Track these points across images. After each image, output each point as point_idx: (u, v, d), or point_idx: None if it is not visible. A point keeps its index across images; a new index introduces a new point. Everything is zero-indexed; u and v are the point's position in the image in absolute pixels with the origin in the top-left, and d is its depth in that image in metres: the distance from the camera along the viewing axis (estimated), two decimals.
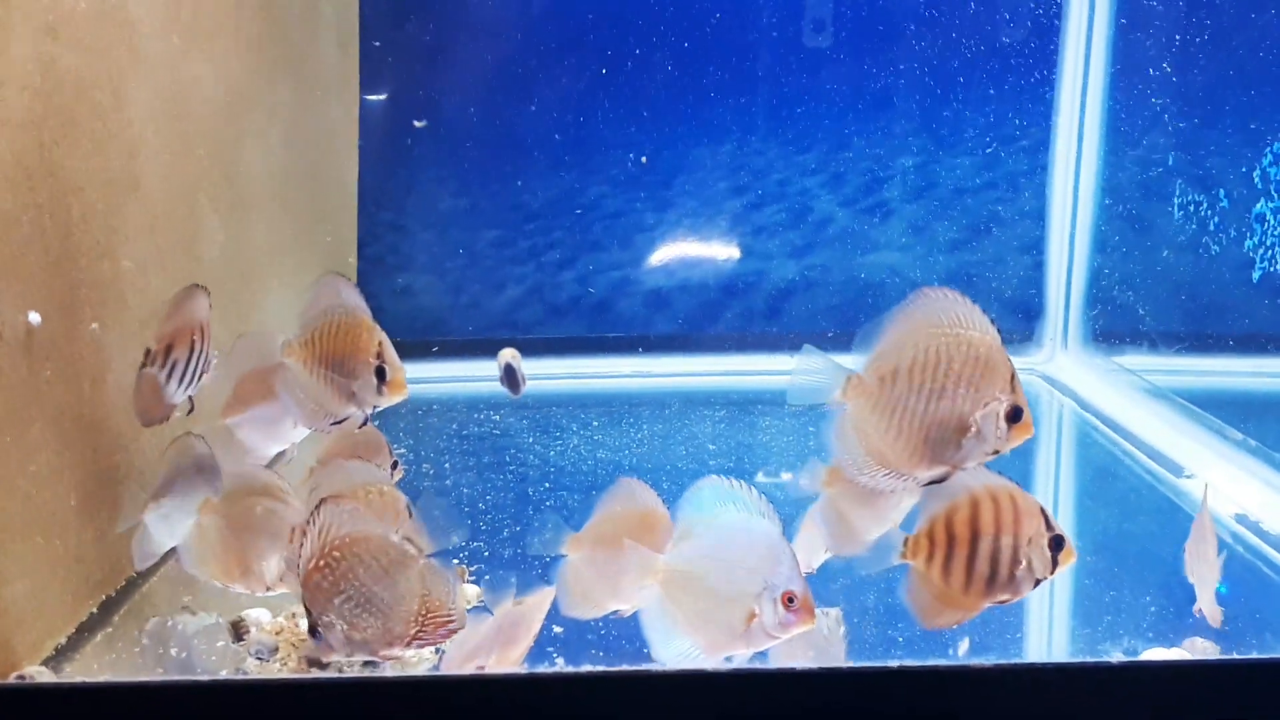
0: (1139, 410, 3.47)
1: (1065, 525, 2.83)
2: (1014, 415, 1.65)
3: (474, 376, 4.00)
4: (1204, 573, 2.03)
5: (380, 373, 1.86)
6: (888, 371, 1.65)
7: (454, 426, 3.41)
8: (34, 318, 1.92)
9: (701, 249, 4.33)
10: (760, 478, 3.02)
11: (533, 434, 3.33)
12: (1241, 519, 2.60)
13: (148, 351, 2.01)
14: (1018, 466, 3.13)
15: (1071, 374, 3.95)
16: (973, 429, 1.64)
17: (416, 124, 4.16)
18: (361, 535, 1.67)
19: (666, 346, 4.18)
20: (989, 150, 4.21)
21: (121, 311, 2.25)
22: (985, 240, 4.26)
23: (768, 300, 4.31)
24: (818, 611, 2.01)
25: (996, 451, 1.67)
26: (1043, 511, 1.67)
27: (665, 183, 4.30)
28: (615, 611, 1.84)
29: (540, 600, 1.87)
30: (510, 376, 2.65)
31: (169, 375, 1.98)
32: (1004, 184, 4.22)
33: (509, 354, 2.68)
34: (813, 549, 1.95)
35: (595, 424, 3.43)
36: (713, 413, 3.64)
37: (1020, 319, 4.19)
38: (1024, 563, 1.66)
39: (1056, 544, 1.66)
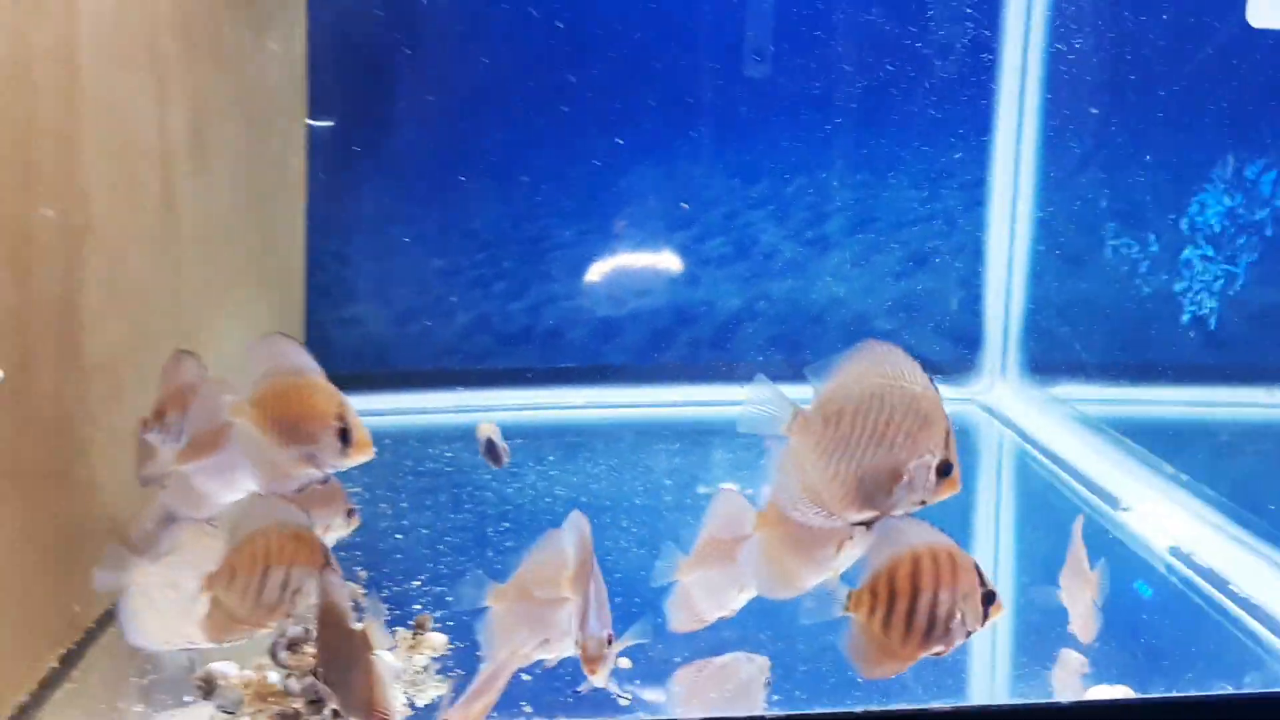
0: (1075, 441, 3.60)
1: (1005, 556, 2.95)
2: (944, 470, 1.73)
3: (425, 408, 3.99)
4: (1077, 591, 2.14)
5: (343, 434, 1.84)
6: (833, 412, 1.72)
7: (408, 462, 3.40)
8: None
9: (650, 279, 4.38)
10: (701, 489, 3.08)
11: (488, 469, 3.34)
12: (1175, 551, 2.72)
13: (144, 419, 2.01)
14: (960, 499, 3.24)
15: (1010, 404, 4.08)
16: (905, 478, 1.72)
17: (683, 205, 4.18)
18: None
19: (618, 376, 4.22)
20: (928, 185, 4.34)
21: (78, 360, 2.22)
22: (925, 272, 4.38)
23: (716, 330, 4.38)
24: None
25: (924, 502, 1.75)
26: (977, 568, 1.75)
27: (613, 213, 4.34)
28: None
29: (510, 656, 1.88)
30: (491, 451, 2.67)
31: (164, 436, 1.97)
32: (942, 218, 4.35)
33: (488, 429, 2.71)
34: (733, 589, 1.99)
35: (550, 458, 3.45)
36: (666, 445, 3.69)
37: (960, 349, 4.31)
38: (959, 616, 1.74)
39: (988, 599, 1.75)
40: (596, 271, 4.34)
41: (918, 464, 1.70)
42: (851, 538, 1.82)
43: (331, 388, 1.87)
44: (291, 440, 1.83)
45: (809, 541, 1.82)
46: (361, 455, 1.86)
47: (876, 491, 1.73)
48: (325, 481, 1.90)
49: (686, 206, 4.09)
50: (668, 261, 4.40)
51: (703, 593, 1.96)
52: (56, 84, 2.16)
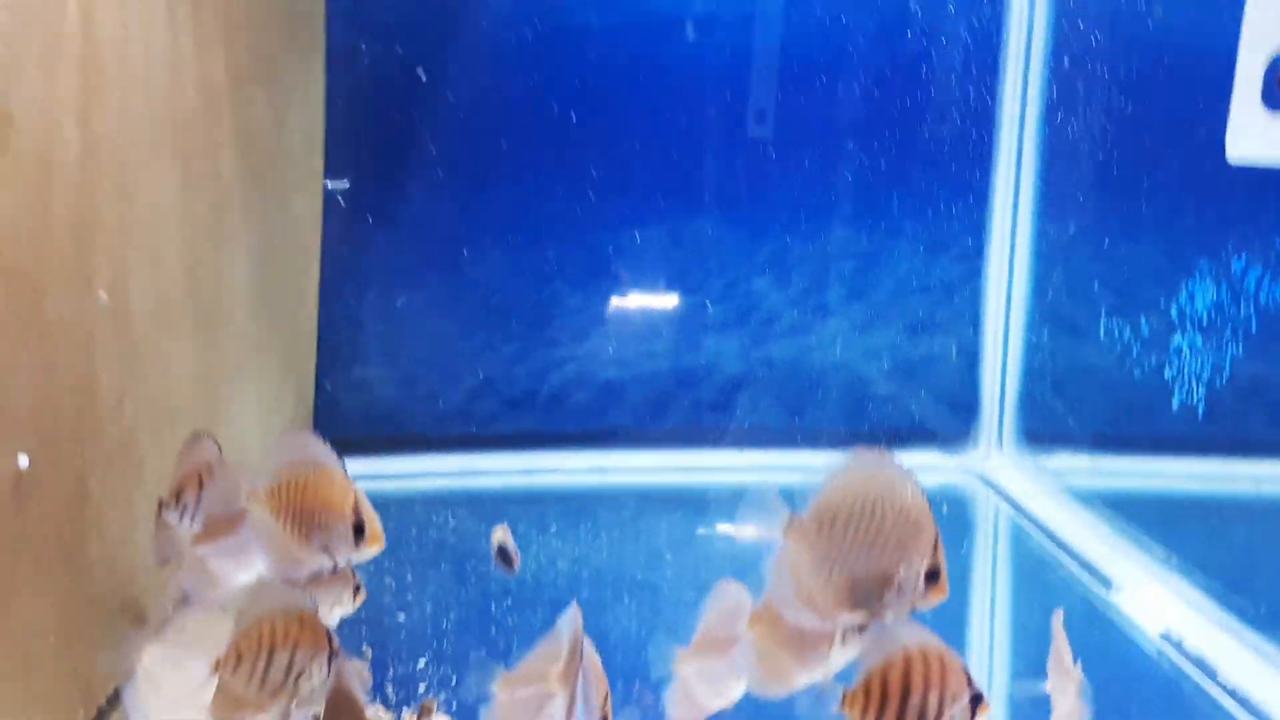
0: (1068, 515, 3.66)
1: (1001, 634, 3.00)
2: (932, 576, 1.80)
3: (430, 472, 4.06)
4: (1061, 685, 2.18)
5: (358, 528, 1.91)
6: (827, 519, 1.79)
7: (413, 530, 3.46)
8: (23, 461, 1.96)
9: (654, 344, 4.46)
10: (700, 530, 3.12)
11: (490, 540, 3.40)
12: (1165, 636, 2.77)
13: (162, 500, 2.08)
14: (954, 570, 3.29)
15: (1006, 474, 4.14)
16: (895, 584, 1.79)
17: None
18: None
19: (621, 440, 4.28)
20: (926, 255, 4.43)
21: (100, 441, 2.29)
22: (923, 340, 4.46)
23: (717, 393, 4.45)
24: None
25: (913, 607, 1.82)
26: (965, 670, 1.82)
27: (619, 278, 4.44)
28: None
29: None
30: (504, 556, 2.73)
31: (181, 516, 2.04)
32: (940, 288, 4.44)
33: (501, 533, 2.77)
34: (733, 679, 2.04)
35: (553, 528, 3.51)
36: (668, 514, 3.75)
37: (957, 418, 4.38)
38: (947, 717, 1.80)
39: (975, 700, 1.81)
40: (601, 335, 4.43)
41: (907, 570, 1.77)
42: (844, 640, 1.88)
43: (347, 481, 1.93)
44: (305, 530, 1.89)
45: (802, 641, 1.88)
46: (374, 548, 1.92)
47: (868, 596, 1.80)
48: (335, 571, 1.96)
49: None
50: (671, 324, 4.49)
51: (702, 683, 2.02)
52: (81, 167, 2.25)
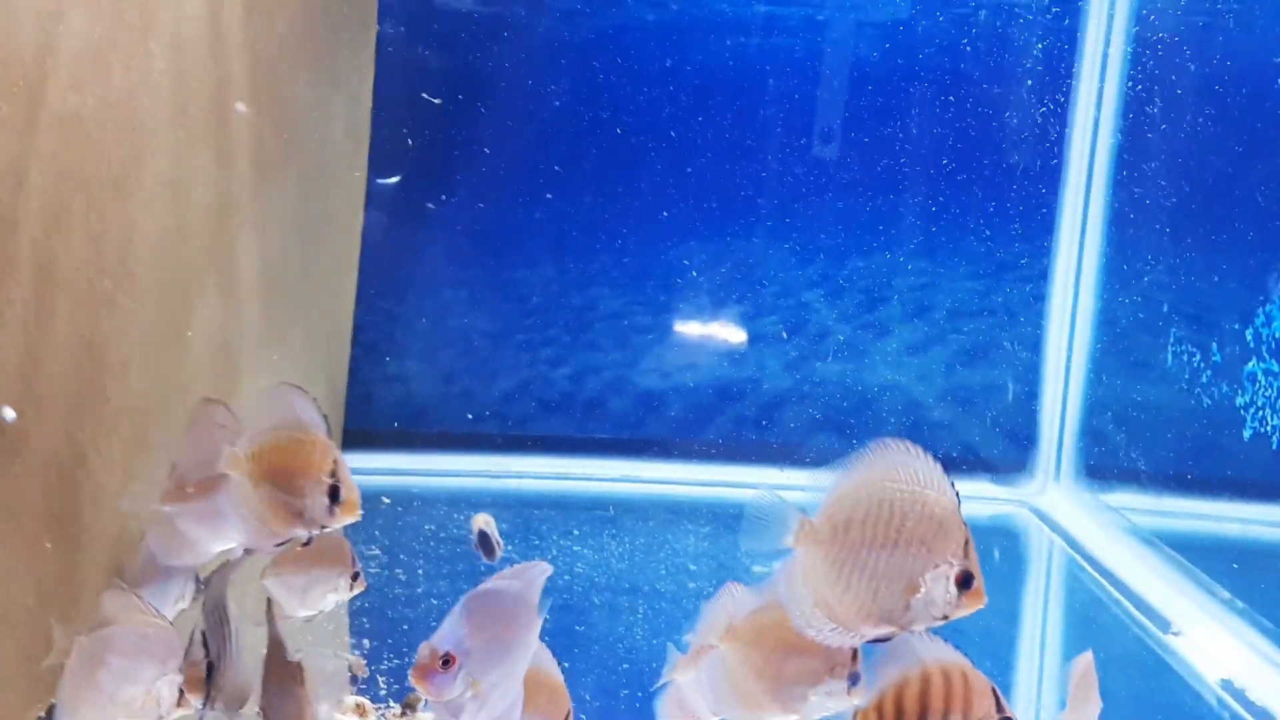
0: (1127, 554, 3.42)
1: (1049, 670, 2.79)
2: (965, 581, 1.61)
3: (459, 470, 3.96)
4: None
5: (334, 492, 1.79)
6: (841, 521, 1.62)
7: (432, 526, 3.36)
8: (8, 413, 1.89)
9: (697, 355, 4.32)
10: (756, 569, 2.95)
11: (511, 540, 3.28)
12: (1227, 685, 2.54)
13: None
14: (1004, 607, 3.09)
15: (1062, 509, 3.91)
16: (922, 590, 1.60)
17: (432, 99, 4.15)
18: None
19: (656, 451, 4.15)
20: (988, 276, 4.24)
21: (100, 405, 2.22)
22: (981, 365, 4.26)
23: (760, 409, 4.29)
24: None
25: (946, 617, 1.63)
26: (994, 692, 1.62)
27: (665, 286, 4.32)
28: None
29: None
30: (485, 543, 2.61)
31: None
32: (1002, 311, 4.24)
33: (482, 520, 2.65)
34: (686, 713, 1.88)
35: (576, 532, 3.38)
36: (697, 527, 3.59)
37: (1013, 448, 4.17)
38: None
39: None
40: (643, 343, 4.31)
41: (935, 574, 1.59)
42: (828, 687, 1.70)
43: (329, 444, 1.82)
44: (282, 495, 1.78)
45: (778, 672, 1.70)
46: (348, 516, 1.80)
47: (892, 605, 1.62)
48: (308, 544, 1.84)
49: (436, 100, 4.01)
50: (716, 336, 4.35)
51: (696, 691, 1.85)
52: (114, 136, 2.20)
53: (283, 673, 1.66)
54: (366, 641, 2.45)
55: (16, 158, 1.89)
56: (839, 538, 1.60)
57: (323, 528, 1.78)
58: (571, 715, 1.74)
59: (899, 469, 1.59)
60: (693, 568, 3.18)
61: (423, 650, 1.60)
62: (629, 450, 4.12)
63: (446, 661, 1.60)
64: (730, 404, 4.29)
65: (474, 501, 3.62)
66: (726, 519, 3.72)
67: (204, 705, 1.75)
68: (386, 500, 3.45)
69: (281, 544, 1.78)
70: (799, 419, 4.30)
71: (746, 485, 4.01)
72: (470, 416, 4.18)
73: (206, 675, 1.74)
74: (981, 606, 1.60)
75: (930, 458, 1.60)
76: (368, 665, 2.35)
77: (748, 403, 4.30)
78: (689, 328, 4.34)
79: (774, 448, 4.23)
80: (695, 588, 3.00)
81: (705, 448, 4.19)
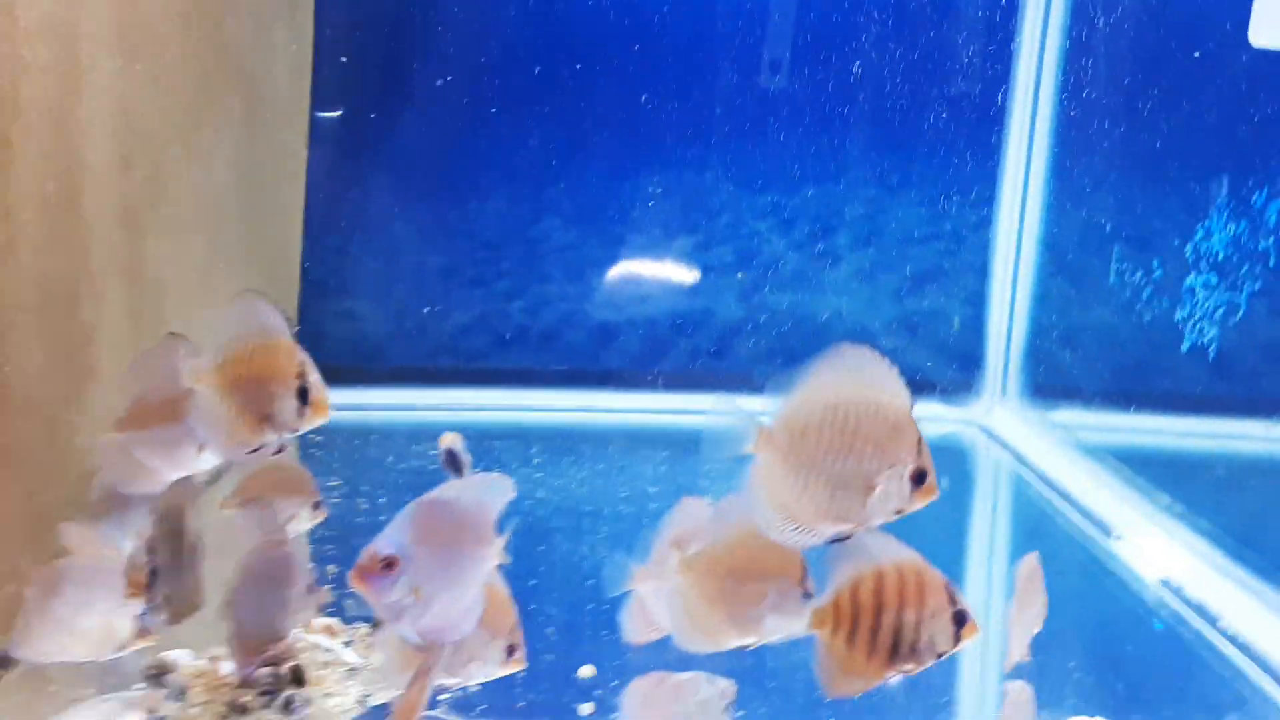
0: (1072, 467, 3.53)
1: (996, 578, 2.89)
2: (919, 478, 1.67)
3: (415, 405, 3.96)
4: (1021, 622, 2.06)
5: (303, 393, 1.78)
6: (798, 427, 1.66)
7: (391, 458, 3.37)
8: None
9: (651, 286, 4.34)
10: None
11: (470, 469, 3.30)
12: (1165, 583, 2.66)
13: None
14: (954, 518, 3.18)
15: (1009, 427, 4.02)
16: (879, 488, 1.66)
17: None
18: None
19: (612, 382, 4.17)
20: (936, 202, 4.29)
21: (50, 338, 2.19)
22: (929, 289, 4.33)
23: (715, 339, 4.33)
24: (704, 677, 2.00)
25: (900, 511, 1.69)
26: (947, 587, 1.69)
27: (617, 218, 4.31)
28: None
29: None
30: (453, 461, 2.62)
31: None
32: (949, 236, 4.29)
33: (450, 438, 2.65)
34: (648, 623, 1.93)
35: (536, 460, 3.40)
36: (654, 453, 3.64)
37: (961, 369, 4.25)
38: (927, 636, 1.68)
39: (959, 619, 1.68)
40: (597, 275, 4.31)
41: (890, 473, 1.65)
42: (781, 608, 1.75)
43: (294, 347, 1.79)
44: (251, 402, 1.77)
45: (733, 598, 1.75)
46: (319, 417, 1.79)
47: (850, 504, 1.67)
48: (280, 450, 1.83)
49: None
50: (669, 268, 4.37)
51: (658, 603, 1.90)
52: (51, 60, 2.14)
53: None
54: (330, 568, 2.46)
55: None
56: (796, 443, 1.64)
57: (294, 431, 1.77)
58: (519, 625, 1.77)
59: (854, 374, 1.63)
60: (652, 490, 3.23)
61: (365, 552, 1.62)
62: (586, 381, 4.14)
63: (388, 565, 1.61)
64: (684, 335, 4.32)
65: (433, 434, 3.60)
66: (684, 444, 3.77)
67: (144, 611, 1.74)
68: (342, 436, 3.45)
69: (254, 451, 1.77)
70: (751, 348, 4.34)
71: (702, 412, 4.07)
72: (425, 352, 4.17)
73: (149, 581, 1.73)
74: (934, 499, 1.66)
75: (885, 361, 1.64)
76: (332, 589, 2.37)
77: (702, 333, 4.33)
78: (642, 259, 4.35)
79: (728, 376, 4.28)
80: (655, 509, 3.03)
81: (661, 378, 4.23)
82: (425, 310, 4.21)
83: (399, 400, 3.95)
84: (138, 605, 1.75)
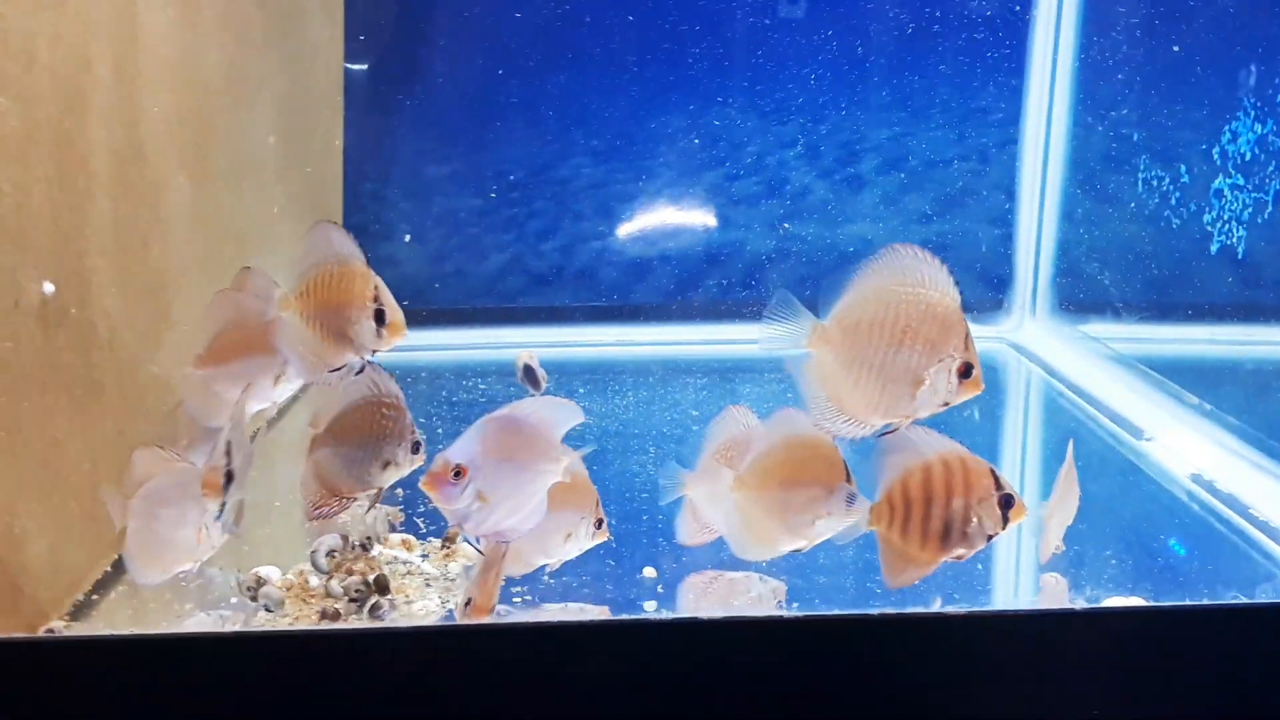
0: (1102, 376, 3.61)
1: (1030, 485, 2.99)
2: (965, 372, 1.77)
3: (459, 344, 4.08)
4: (1057, 516, 2.16)
5: (379, 316, 1.89)
6: (851, 324, 1.76)
7: (443, 394, 3.50)
8: (48, 287, 1.98)
9: (681, 219, 4.41)
10: None
11: (517, 399, 3.42)
12: (1196, 479, 2.75)
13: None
14: (986, 430, 3.28)
15: (1039, 341, 4.09)
16: (927, 383, 1.76)
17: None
18: None
19: (648, 315, 4.27)
20: (961, 124, 4.32)
21: (127, 281, 2.31)
22: (957, 212, 4.38)
23: (745, 270, 4.41)
24: (756, 578, 2.12)
25: (947, 403, 1.79)
26: (993, 473, 1.79)
27: (646, 154, 4.37)
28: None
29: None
30: (530, 376, 2.75)
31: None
32: (975, 157, 4.33)
33: (527, 356, 2.78)
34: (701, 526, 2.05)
35: (581, 390, 3.52)
36: (694, 380, 3.75)
37: (990, 288, 4.32)
38: (975, 520, 1.78)
39: (1006, 502, 1.79)
40: (627, 212, 4.39)
41: (938, 368, 1.74)
42: (830, 512, 1.86)
43: (369, 272, 1.91)
44: (331, 327, 1.89)
45: (785, 507, 1.87)
46: (396, 337, 1.91)
47: (899, 398, 1.78)
48: (362, 369, 1.95)
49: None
50: (698, 202, 4.44)
51: (709, 505, 2.02)
52: (109, 15, 2.23)
53: None
54: (399, 491, 2.60)
55: (20, 37, 1.93)
56: (849, 338, 1.75)
57: (373, 351, 1.89)
58: (600, 504, 1.90)
59: (905, 272, 1.73)
60: (695, 413, 3.34)
61: (437, 460, 1.75)
62: (622, 316, 4.24)
63: (458, 473, 1.74)
64: (716, 266, 4.40)
65: (479, 371, 3.75)
66: (722, 372, 3.88)
67: (219, 513, 1.87)
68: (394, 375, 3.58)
69: (335, 370, 1.89)
70: (782, 276, 4.42)
71: (737, 342, 4.18)
72: (464, 293, 4.28)
73: (225, 483, 1.85)
74: (979, 392, 1.76)
75: (936, 260, 1.74)
76: (403, 510, 2.51)
77: (732, 264, 4.41)
78: (671, 194, 4.42)
79: (760, 305, 4.36)
80: (698, 429, 3.15)
81: (695, 309, 4.32)
82: (462, 254, 4.32)
83: (442, 340, 4.07)
84: (214, 506, 1.87)
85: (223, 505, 1.88)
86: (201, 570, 2.10)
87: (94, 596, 2.11)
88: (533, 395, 2.72)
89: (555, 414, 1.88)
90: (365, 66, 4.22)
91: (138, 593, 2.13)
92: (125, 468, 2.22)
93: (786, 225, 4.35)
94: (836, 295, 1.77)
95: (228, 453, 1.87)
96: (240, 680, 1.62)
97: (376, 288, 1.89)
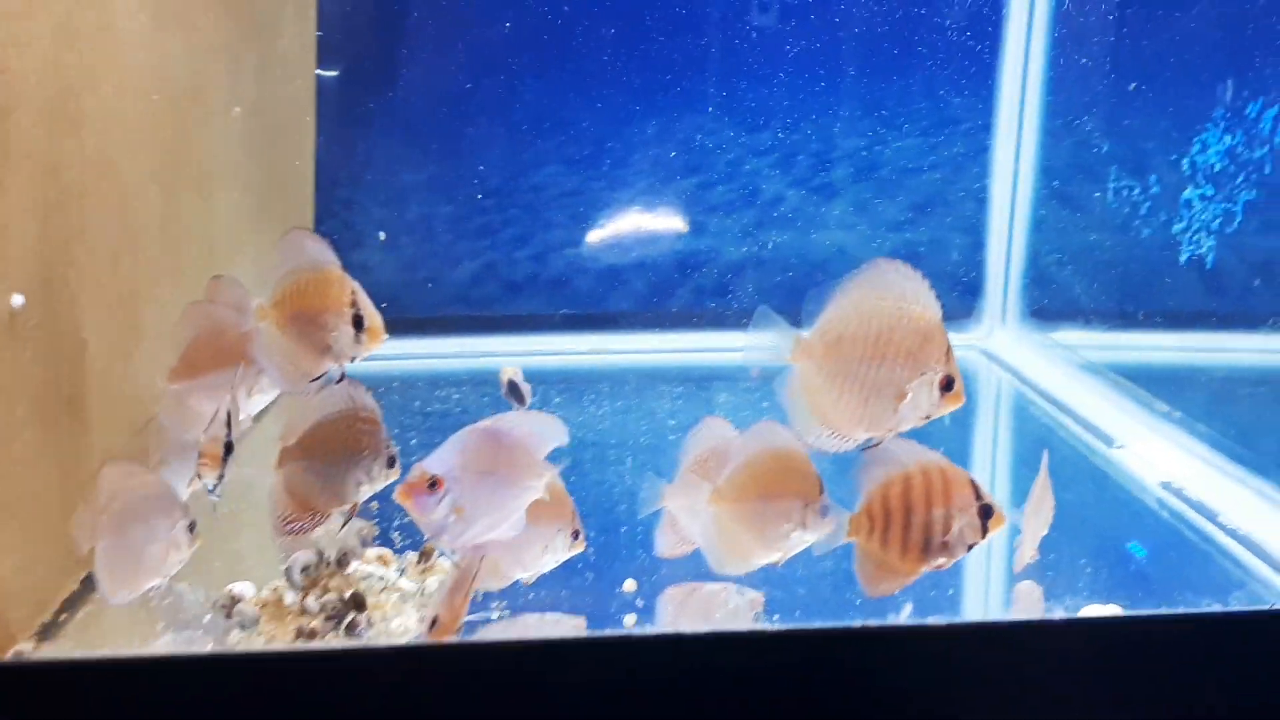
0: (1073, 384, 3.65)
1: (1002, 493, 3.01)
2: (947, 385, 1.78)
3: (432, 354, 4.05)
4: (1031, 526, 2.18)
5: (357, 321, 1.87)
6: (833, 337, 1.77)
7: (416, 404, 3.47)
8: (16, 300, 1.95)
9: (655, 226, 4.41)
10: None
11: (493, 410, 3.39)
12: (1166, 486, 2.78)
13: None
14: (958, 437, 3.30)
15: (1010, 349, 4.13)
16: (909, 396, 1.77)
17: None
18: None
19: (623, 323, 4.27)
20: (933, 132, 4.36)
21: (97, 293, 2.27)
22: (929, 220, 4.41)
23: (719, 278, 4.42)
24: (734, 588, 2.12)
25: (929, 416, 1.80)
26: (972, 483, 1.80)
27: (618, 162, 4.37)
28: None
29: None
30: (514, 391, 2.73)
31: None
32: (947, 165, 4.37)
33: (511, 371, 2.76)
34: (680, 538, 2.05)
35: (556, 400, 3.51)
36: (670, 388, 3.75)
37: (961, 296, 4.35)
38: (955, 530, 1.79)
39: (985, 512, 1.80)
40: (601, 220, 4.38)
41: (920, 381, 1.75)
42: (806, 523, 1.86)
43: (345, 277, 1.88)
44: (308, 335, 1.86)
45: (763, 519, 1.87)
46: (375, 342, 1.89)
47: (882, 411, 1.78)
48: (342, 379, 1.92)
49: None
50: (672, 210, 4.44)
51: (688, 517, 2.01)
52: (82, 23, 2.19)
53: None
54: (374, 504, 2.57)
55: None
56: (832, 352, 1.75)
57: (352, 358, 1.86)
58: (577, 515, 1.89)
59: (887, 286, 1.74)
60: (671, 422, 3.34)
61: (413, 470, 1.74)
62: (596, 324, 4.23)
63: (434, 484, 1.72)
64: (689, 275, 4.40)
65: (453, 381, 3.73)
66: (698, 380, 3.88)
67: (214, 487, 1.84)
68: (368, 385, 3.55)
69: (316, 379, 1.87)
70: (756, 284, 4.43)
71: (712, 350, 4.18)
72: (438, 301, 4.25)
73: (224, 454, 1.82)
74: (961, 405, 1.77)
75: (918, 274, 1.75)
76: (376, 523, 2.48)
77: (706, 272, 4.41)
78: (644, 202, 4.42)
79: (734, 313, 4.37)
80: (675, 439, 3.15)
81: (669, 317, 4.32)
82: (435, 261, 4.29)
83: (415, 349, 4.04)
84: (211, 479, 1.85)
85: (219, 479, 1.86)
86: (171, 587, 2.07)
87: (61, 616, 2.06)
88: (517, 409, 2.70)
89: (540, 429, 1.87)
90: (337, 73, 4.19)
91: (106, 612, 2.09)
92: (93, 484, 2.19)
93: (771, 243, 4.37)
94: (819, 309, 1.78)
95: (228, 424, 1.84)
96: (218, 702, 1.59)
97: (354, 293, 1.86)
